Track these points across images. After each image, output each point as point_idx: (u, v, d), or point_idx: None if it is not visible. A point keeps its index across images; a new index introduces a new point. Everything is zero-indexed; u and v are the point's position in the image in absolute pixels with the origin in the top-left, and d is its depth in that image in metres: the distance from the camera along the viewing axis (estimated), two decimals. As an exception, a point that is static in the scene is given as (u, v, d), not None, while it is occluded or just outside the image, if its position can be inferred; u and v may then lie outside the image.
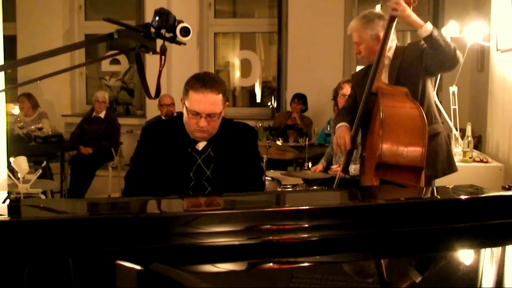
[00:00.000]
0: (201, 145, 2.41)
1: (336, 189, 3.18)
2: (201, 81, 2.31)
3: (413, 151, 2.53)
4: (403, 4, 2.66)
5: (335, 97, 4.54)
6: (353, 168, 3.57)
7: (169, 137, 2.42)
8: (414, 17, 2.67)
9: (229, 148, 2.42)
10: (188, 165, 2.39)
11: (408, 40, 6.20)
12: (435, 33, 2.62)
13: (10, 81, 6.35)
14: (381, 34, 2.82)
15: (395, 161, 2.53)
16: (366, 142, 2.88)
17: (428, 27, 2.63)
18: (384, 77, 2.84)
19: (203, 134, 2.36)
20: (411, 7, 2.73)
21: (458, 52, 2.69)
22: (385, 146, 2.52)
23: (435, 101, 3.09)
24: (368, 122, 2.84)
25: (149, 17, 7.03)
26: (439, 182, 2.99)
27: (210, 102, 2.29)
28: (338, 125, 2.94)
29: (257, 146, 2.56)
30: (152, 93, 1.49)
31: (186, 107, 2.34)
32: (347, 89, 4.11)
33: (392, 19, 2.72)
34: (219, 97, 2.32)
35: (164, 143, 2.41)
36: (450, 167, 2.94)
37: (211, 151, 2.41)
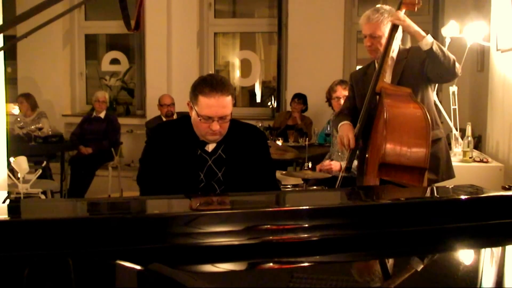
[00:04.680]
0: (211, 147, 2.39)
1: (336, 189, 3.18)
2: (210, 85, 2.27)
3: (417, 151, 2.52)
4: (402, 17, 2.71)
5: (328, 100, 4.50)
6: (354, 165, 3.55)
7: (178, 139, 2.40)
8: (415, 27, 2.71)
9: (241, 150, 2.40)
10: (198, 167, 2.37)
11: (408, 39, 6.20)
12: (435, 47, 2.65)
13: (10, 81, 6.35)
14: None
15: (398, 162, 2.52)
16: (368, 142, 2.87)
17: (428, 40, 2.66)
18: (387, 78, 2.84)
19: (215, 136, 2.35)
20: (416, 8, 2.74)
21: (457, 66, 2.72)
22: (389, 146, 2.51)
23: (434, 101, 3.09)
24: (370, 122, 2.83)
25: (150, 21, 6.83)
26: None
27: (221, 105, 2.27)
28: (341, 123, 2.94)
29: (268, 149, 2.54)
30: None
31: (196, 112, 2.31)
32: (340, 92, 4.10)
33: (394, 26, 2.76)
34: (229, 98, 2.30)
35: (173, 144, 2.39)
36: (449, 173, 2.95)
37: (222, 153, 2.39)
